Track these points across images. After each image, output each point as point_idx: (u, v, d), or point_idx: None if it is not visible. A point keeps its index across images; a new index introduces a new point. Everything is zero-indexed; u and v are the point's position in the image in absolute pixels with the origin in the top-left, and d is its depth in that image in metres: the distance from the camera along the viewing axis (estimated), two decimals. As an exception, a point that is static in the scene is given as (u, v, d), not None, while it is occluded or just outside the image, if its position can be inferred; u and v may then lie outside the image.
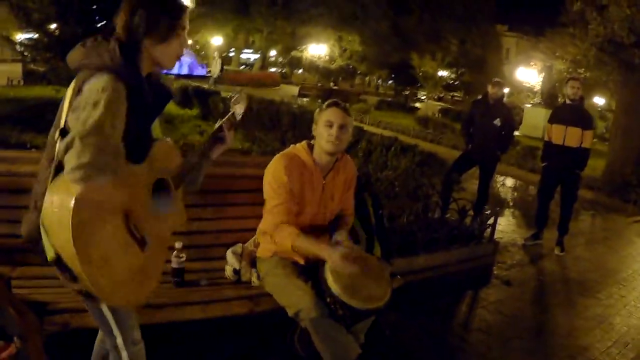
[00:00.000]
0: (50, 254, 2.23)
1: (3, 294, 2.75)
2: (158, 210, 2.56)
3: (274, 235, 3.47)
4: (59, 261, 2.20)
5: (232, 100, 3.01)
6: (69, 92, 2.33)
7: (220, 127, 2.88)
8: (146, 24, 2.39)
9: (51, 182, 2.24)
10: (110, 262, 2.25)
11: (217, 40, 53.23)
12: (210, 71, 39.80)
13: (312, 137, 3.71)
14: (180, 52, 2.55)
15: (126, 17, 2.39)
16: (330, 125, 3.51)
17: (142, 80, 2.41)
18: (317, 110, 3.69)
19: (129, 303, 2.49)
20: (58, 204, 2.14)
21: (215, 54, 38.91)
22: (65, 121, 2.26)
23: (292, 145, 3.77)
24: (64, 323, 3.05)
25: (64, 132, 2.23)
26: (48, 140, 2.40)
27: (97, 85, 2.21)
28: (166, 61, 2.52)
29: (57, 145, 2.24)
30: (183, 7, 2.51)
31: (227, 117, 2.92)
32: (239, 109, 2.99)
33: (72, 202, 2.08)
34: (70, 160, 2.06)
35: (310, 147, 3.68)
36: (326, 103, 3.67)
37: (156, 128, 2.66)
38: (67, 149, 2.09)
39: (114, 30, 2.42)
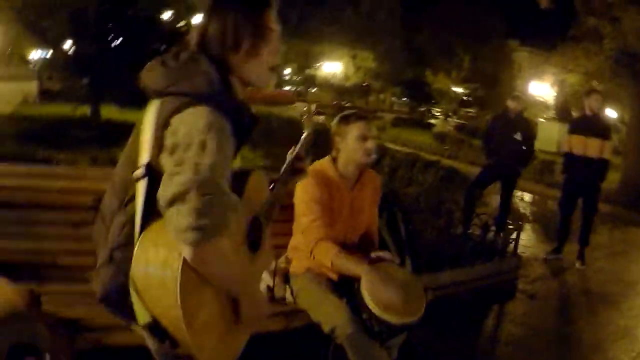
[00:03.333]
0: (144, 319, 1.88)
1: (34, 310, 2.75)
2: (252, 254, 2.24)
3: (313, 253, 3.45)
4: (155, 326, 1.88)
5: (305, 119, 2.66)
6: (149, 123, 1.92)
7: (299, 155, 2.50)
8: (224, 33, 1.97)
9: (139, 234, 1.89)
10: (214, 324, 1.98)
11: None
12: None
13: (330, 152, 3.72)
14: (273, 62, 2.10)
15: (201, 27, 2.00)
16: (365, 139, 3.52)
17: (243, 109, 2.01)
18: (338, 123, 3.65)
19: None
20: (159, 263, 1.84)
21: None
22: (150, 159, 1.88)
23: (316, 161, 3.72)
24: (96, 340, 3.03)
25: (150, 170, 1.88)
26: (116, 177, 2.05)
27: (198, 122, 1.79)
28: (261, 78, 2.10)
29: (142, 186, 1.89)
30: (267, 2, 2.06)
31: (301, 141, 2.55)
32: (311, 128, 2.63)
33: (180, 262, 1.79)
34: (184, 219, 1.72)
35: (334, 161, 3.67)
36: (350, 116, 3.63)
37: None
38: (175, 201, 1.74)
39: (188, 46, 2.02)
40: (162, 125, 1.85)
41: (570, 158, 8.19)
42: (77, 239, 3.58)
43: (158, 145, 1.85)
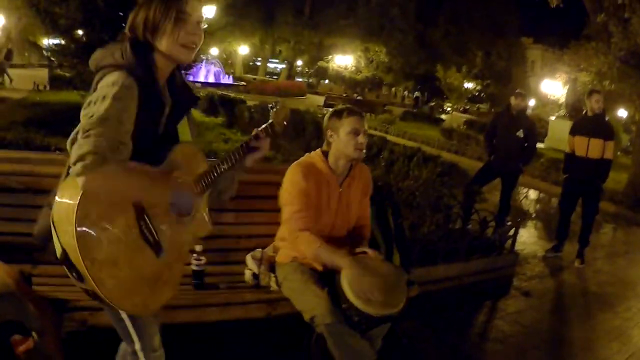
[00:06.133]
0: (58, 251, 2.17)
1: (24, 289, 2.80)
2: (178, 213, 2.46)
3: (296, 243, 3.52)
4: (66, 258, 2.14)
5: (272, 110, 2.86)
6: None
7: (257, 135, 2.73)
8: (145, 20, 2.32)
9: (63, 180, 2.26)
10: (119, 265, 2.18)
11: (243, 50, 53.49)
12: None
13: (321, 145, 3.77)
14: (189, 41, 2.37)
15: (132, 16, 2.36)
16: (357, 134, 3.56)
17: (156, 77, 2.36)
18: (331, 117, 3.70)
19: (139, 310, 2.39)
20: (66, 198, 2.12)
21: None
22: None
23: (307, 154, 3.79)
24: (82, 320, 3.08)
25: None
26: None
27: (107, 81, 2.20)
28: (175, 53, 2.36)
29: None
30: None
31: (264, 125, 2.77)
32: (278, 120, 2.84)
33: (79, 194, 2.05)
34: (73, 153, 2.04)
35: (325, 155, 3.71)
36: (343, 111, 3.67)
37: (185, 132, 2.56)
38: (72, 142, 2.12)
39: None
40: (92, 92, 2.25)
41: (571, 158, 8.18)
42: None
43: (83, 107, 2.22)
